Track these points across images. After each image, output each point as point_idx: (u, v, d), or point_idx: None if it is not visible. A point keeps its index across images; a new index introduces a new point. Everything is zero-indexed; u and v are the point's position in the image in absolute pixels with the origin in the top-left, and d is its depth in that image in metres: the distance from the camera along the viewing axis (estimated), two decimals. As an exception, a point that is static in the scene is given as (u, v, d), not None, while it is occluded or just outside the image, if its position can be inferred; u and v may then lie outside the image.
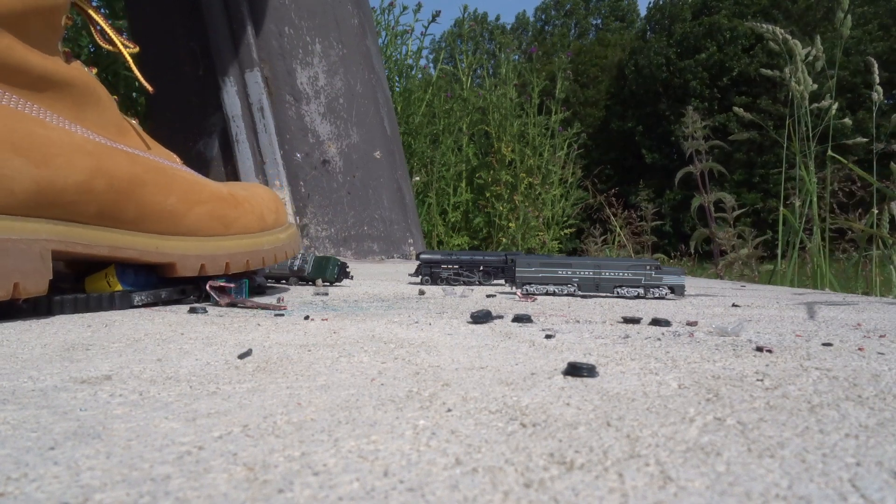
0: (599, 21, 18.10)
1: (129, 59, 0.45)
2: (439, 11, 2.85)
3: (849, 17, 1.15)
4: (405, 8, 2.80)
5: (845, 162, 1.13)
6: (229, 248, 0.49)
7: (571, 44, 15.25)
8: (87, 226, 0.41)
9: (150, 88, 0.46)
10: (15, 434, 0.16)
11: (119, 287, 0.44)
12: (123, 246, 0.43)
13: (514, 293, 0.61)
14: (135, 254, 0.43)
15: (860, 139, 1.22)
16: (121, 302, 0.43)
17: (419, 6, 2.85)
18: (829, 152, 1.16)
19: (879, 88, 1.17)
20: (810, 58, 1.21)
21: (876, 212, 1.19)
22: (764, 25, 1.23)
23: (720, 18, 11.12)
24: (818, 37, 1.22)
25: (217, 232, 0.48)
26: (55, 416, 0.18)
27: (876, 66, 1.19)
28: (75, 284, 0.46)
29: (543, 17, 18.50)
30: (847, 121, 1.22)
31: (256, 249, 0.51)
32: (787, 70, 1.23)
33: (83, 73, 0.41)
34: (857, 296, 0.74)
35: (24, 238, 0.36)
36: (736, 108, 1.39)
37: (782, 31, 1.22)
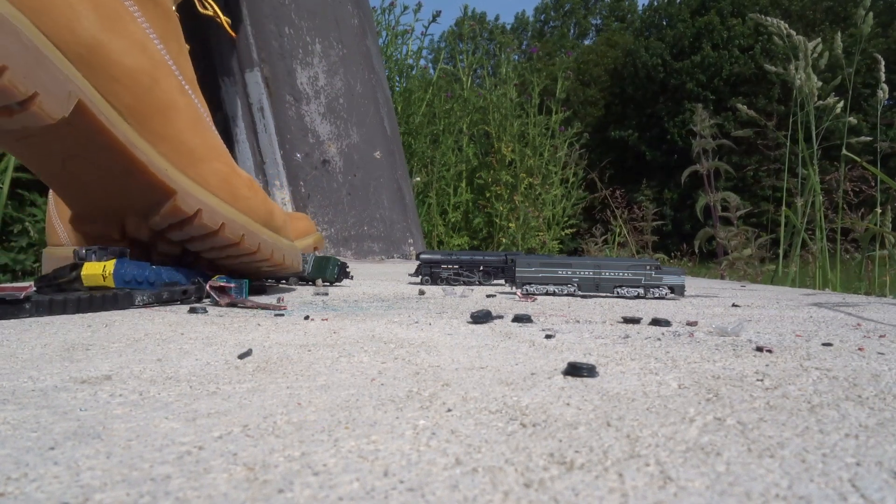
0: (599, 21, 18.10)
1: (225, 24, 0.54)
2: (439, 11, 2.85)
3: (870, 14, 1.14)
4: (405, 8, 2.80)
5: (860, 161, 1.12)
6: (228, 213, 0.48)
7: (573, 44, 15.25)
8: (115, 110, 0.42)
9: (232, 34, 0.55)
10: (15, 434, 0.16)
11: (112, 283, 0.44)
12: (139, 146, 0.43)
13: (514, 293, 0.61)
14: (145, 159, 0.44)
15: (864, 138, 1.21)
16: (122, 302, 0.43)
17: (419, 6, 2.85)
18: (844, 151, 1.16)
19: (885, 86, 1.17)
20: (815, 54, 1.20)
21: (879, 211, 1.19)
22: (768, 19, 1.23)
23: (712, 17, 11.10)
24: (839, 34, 1.21)
25: (223, 198, 0.48)
26: (55, 416, 0.18)
27: (882, 62, 1.18)
28: (73, 279, 0.46)
29: (543, 17, 18.50)
30: (852, 119, 1.22)
31: (254, 231, 0.50)
32: (791, 67, 1.22)
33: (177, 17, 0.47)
34: (857, 296, 0.74)
35: (62, 70, 0.37)
36: (739, 105, 1.38)
37: (786, 25, 1.22)
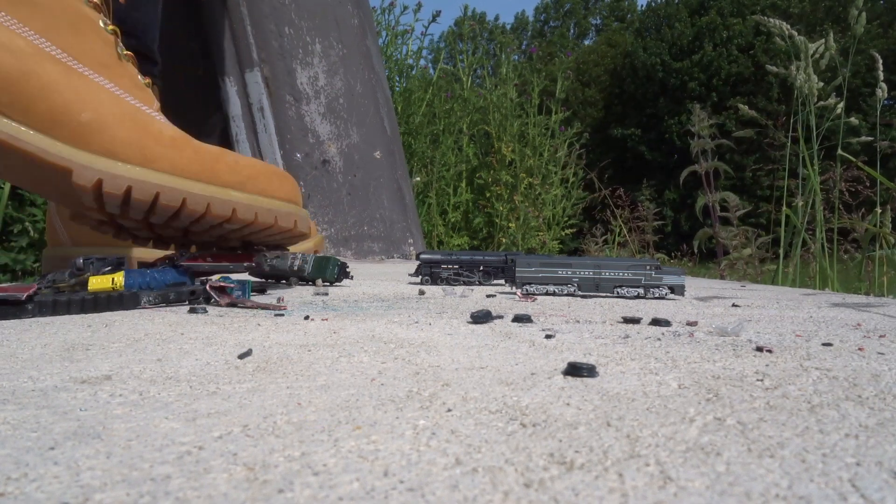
0: (599, 21, 18.11)
1: None
2: (439, 11, 2.86)
3: (863, 14, 1.14)
4: (405, 8, 2.80)
5: (856, 162, 1.12)
6: (137, 175, 0.48)
7: (573, 44, 15.26)
8: None
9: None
10: (15, 434, 0.16)
11: (121, 290, 0.44)
12: (23, 138, 0.44)
13: (514, 293, 0.61)
14: (33, 149, 0.44)
15: (864, 138, 1.21)
16: (128, 302, 0.43)
17: (419, 6, 2.85)
18: (840, 151, 1.16)
19: (884, 85, 1.17)
20: (817, 55, 1.20)
21: (879, 211, 1.19)
22: (771, 20, 1.23)
23: (713, 17, 11.10)
24: (831, 34, 1.21)
25: (135, 161, 0.48)
26: (55, 416, 0.18)
27: (880, 61, 1.18)
28: (73, 285, 0.46)
29: (543, 17, 18.50)
30: (853, 119, 1.22)
31: (175, 186, 0.49)
32: (792, 67, 1.22)
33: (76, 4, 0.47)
34: (857, 296, 0.74)
35: None
36: (740, 105, 1.38)
37: (788, 27, 1.22)
